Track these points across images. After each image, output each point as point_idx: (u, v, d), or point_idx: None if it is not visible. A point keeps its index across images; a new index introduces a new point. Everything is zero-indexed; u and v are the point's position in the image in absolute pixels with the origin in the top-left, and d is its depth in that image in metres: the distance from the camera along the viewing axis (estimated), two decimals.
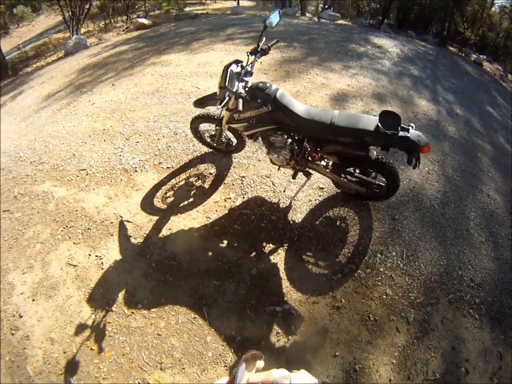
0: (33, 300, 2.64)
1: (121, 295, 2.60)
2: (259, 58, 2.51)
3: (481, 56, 13.73)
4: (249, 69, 2.44)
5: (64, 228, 3.08)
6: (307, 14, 14.41)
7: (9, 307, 2.63)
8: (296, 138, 2.66)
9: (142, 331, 2.43)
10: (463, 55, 12.82)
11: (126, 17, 11.53)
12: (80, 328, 2.48)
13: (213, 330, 2.41)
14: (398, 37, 9.55)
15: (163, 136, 3.95)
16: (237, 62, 2.44)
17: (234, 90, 2.25)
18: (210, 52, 6.54)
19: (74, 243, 2.95)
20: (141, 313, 2.51)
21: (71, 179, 3.58)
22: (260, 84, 2.44)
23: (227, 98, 2.25)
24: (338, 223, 3.04)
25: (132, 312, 2.52)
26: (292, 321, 2.44)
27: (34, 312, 2.58)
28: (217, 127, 2.96)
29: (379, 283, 2.69)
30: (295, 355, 2.30)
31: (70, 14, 9.85)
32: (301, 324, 2.43)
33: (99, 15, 11.74)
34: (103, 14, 11.31)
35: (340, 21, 12.93)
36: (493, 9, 19.10)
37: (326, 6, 16.49)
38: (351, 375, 2.25)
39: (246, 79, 2.44)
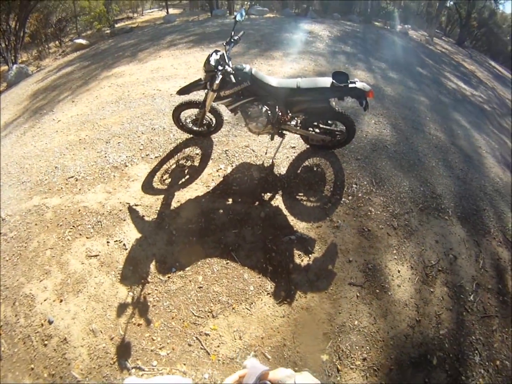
0: (61, 301, 2.66)
1: (152, 266, 2.80)
2: (233, 47, 3.10)
3: (406, 26, 15.05)
4: (227, 55, 3.03)
5: (71, 228, 3.19)
6: (235, 14, 15.02)
7: (33, 319, 2.60)
8: (270, 105, 3.22)
9: (183, 290, 2.65)
10: (389, 27, 14.05)
11: (59, 41, 11.41)
12: (121, 308, 2.57)
13: (246, 268, 2.78)
14: (325, 21, 10.41)
15: (142, 133, 4.23)
16: (216, 52, 3.02)
17: (221, 69, 2.85)
18: (158, 59, 6.85)
19: (87, 237, 3.09)
20: (177, 275, 2.75)
21: (61, 188, 3.67)
22: (238, 66, 3.04)
23: (218, 77, 2.81)
24: (315, 169, 3.63)
25: (169, 277, 2.73)
26: (307, 243, 2.95)
27: (66, 312, 2.60)
28: (201, 110, 3.39)
29: (362, 205, 3.31)
30: (319, 267, 2.81)
31: (6, 44, 9.60)
32: (315, 244, 2.95)
33: (31, 44, 11.49)
34: (36, 41, 11.11)
35: (268, 15, 13.70)
36: None
37: (253, 3, 17.19)
38: (367, 273, 2.81)
39: (227, 64, 3.02)
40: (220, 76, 2.84)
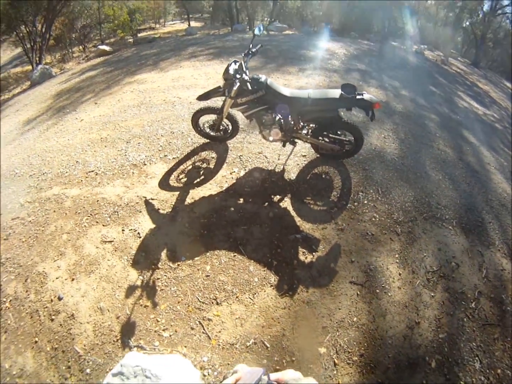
0: (73, 279, 2.83)
1: (163, 254, 2.98)
2: (250, 58, 3.35)
3: (422, 46, 15.24)
4: (245, 66, 3.29)
5: (89, 216, 3.39)
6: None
7: (43, 295, 2.75)
8: (283, 114, 3.41)
9: (191, 278, 2.81)
10: (404, 47, 14.26)
11: (82, 46, 11.90)
12: (130, 290, 2.72)
13: (252, 261, 2.94)
14: (342, 39, 10.68)
15: (161, 135, 4.46)
16: (235, 62, 3.28)
17: (239, 77, 3.13)
18: (179, 69, 7.15)
19: (103, 225, 3.28)
20: (186, 264, 2.92)
21: (81, 180, 3.90)
22: (255, 76, 3.27)
23: (236, 84, 3.09)
24: (323, 177, 3.79)
25: (178, 265, 2.90)
26: (311, 242, 3.10)
27: (76, 290, 2.75)
28: (219, 115, 3.63)
29: (367, 211, 3.44)
30: (322, 265, 2.94)
31: (32, 45, 10.06)
32: (319, 243, 3.09)
33: (55, 47, 12.00)
34: (60, 45, 11.62)
35: (287, 31, 14.11)
36: (429, 1, 21.30)
37: (273, 19, 17.67)
38: (369, 273, 2.93)
39: (244, 73, 3.28)
40: (238, 84, 3.11)
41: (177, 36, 12.23)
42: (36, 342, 2.51)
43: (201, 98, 3.54)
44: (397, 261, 3.06)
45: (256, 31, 3.41)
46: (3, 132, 5.98)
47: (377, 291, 2.80)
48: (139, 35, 12.49)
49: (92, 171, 4.02)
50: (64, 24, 11.73)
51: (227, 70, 3.19)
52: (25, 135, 5.49)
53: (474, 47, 20.02)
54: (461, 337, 2.66)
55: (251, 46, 3.35)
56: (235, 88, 3.12)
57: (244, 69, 3.28)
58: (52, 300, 2.72)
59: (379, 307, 2.70)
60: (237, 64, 3.26)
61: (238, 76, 3.15)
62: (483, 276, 3.14)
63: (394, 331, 2.58)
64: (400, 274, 2.96)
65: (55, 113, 6.10)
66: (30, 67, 10.74)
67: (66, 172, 4.09)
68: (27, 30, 10.19)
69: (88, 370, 2.34)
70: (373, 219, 3.37)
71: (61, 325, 2.57)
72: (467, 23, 20.83)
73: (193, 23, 15.93)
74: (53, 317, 2.62)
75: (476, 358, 2.57)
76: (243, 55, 3.34)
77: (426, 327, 2.65)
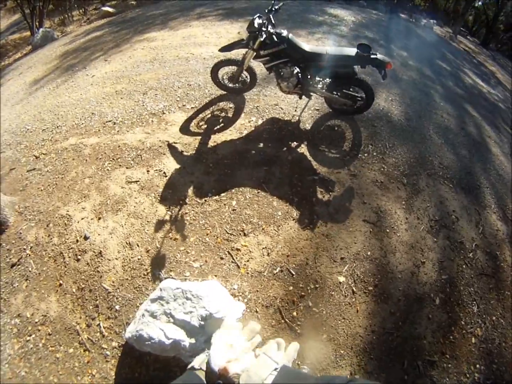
0: (99, 219, 2.92)
1: (190, 191, 3.14)
2: (274, 14, 3.44)
3: (431, 21, 15.09)
4: (270, 21, 3.39)
5: (111, 161, 3.48)
6: None
7: (68, 237, 2.85)
8: (301, 67, 3.59)
9: (218, 212, 2.98)
10: (414, 21, 14.13)
11: (83, 9, 11.59)
12: (159, 224, 2.85)
13: (275, 197, 3.13)
14: (351, 7, 10.49)
15: (178, 87, 4.53)
16: (259, 16, 3.39)
17: (264, 30, 3.27)
18: (189, 28, 7.07)
19: (127, 168, 3.39)
20: (213, 199, 3.09)
21: (98, 130, 3.96)
22: (278, 30, 3.41)
23: (262, 36, 3.24)
24: (336, 129, 3.98)
25: (205, 200, 3.07)
26: (328, 183, 3.31)
27: (103, 229, 2.85)
28: (239, 67, 3.74)
29: (376, 161, 3.66)
30: (338, 204, 3.17)
31: (31, 9, 9.79)
32: (335, 185, 3.31)
33: (54, 11, 11.67)
34: (60, 9, 11.30)
35: None
36: None
37: None
38: (379, 214, 3.16)
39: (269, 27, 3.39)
40: (264, 35, 3.24)
41: None
42: (60, 285, 2.61)
43: (224, 49, 3.63)
44: (404, 207, 3.29)
45: None
46: (7, 94, 5.89)
47: (387, 230, 3.05)
48: None
49: (110, 121, 4.08)
50: None
51: (252, 23, 3.31)
52: (34, 94, 5.45)
53: (485, 27, 19.79)
54: (461, 281, 2.94)
55: (273, 2, 3.47)
56: (261, 39, 3.26)
57: (271, 23, 3.41)
58: (77, 241, 2.81)
59: (389, 245, 2.95)
60: (261, 18, 3.37)
61: (263, 29, 3.28)
62: (480, 232, 3.40)
63: (403, 267, 2.84)
64: (407, 218, 3.19)
65: (64, 71, 6.04)
66: (29, 33, 10.40)
67: (82, 123, 4.15)
68: None
69: (117, 307, 2.46)
70: (382, 169, 3.58)
71: (87, 264, 2.67)
72: (480, 2, 20.51)
73: None
74: (79, 257, 2.72)
75: (474, 302, 2.85)
76: (266, 11, 3.45)
77: (431, 268, 2.91)
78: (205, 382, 1.06)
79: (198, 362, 1.17)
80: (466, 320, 2.73)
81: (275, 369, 1.07)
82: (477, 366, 2.55)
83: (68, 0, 11.65)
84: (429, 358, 2.47)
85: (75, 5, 12.11)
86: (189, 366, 1.18)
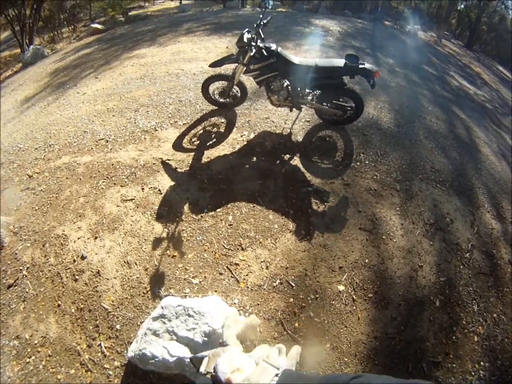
0: (96, 238, 2.90)
1: (186, 207, 3.15)
2: (262, 28, 3.47)
3: (415, 26, 15.38)
4: (259, 35, 3.43)
5: (105, 179, 3.46)
6: (247, 6, 15.49)
7: (65, 257, 2.81)
8: (290, 80, 3.64)
9: (215, 227, 3.00)
10: (398, 27, 14.44)
11: (72, 26, 11.68)
12: (157, 242, 2.85)
13: (271, 210, 3.16)
14: (336, 17, 10.74)
15: (169, 104, 4.56)
16: (248, 31, 3.46)
17: (254, 44, 3.32)
18: (178, 44, 7.15)
19: (121, 186, 3.37)
20: (209, 215, 3.10)
21: (91, 148, 3.95)
22: (267, 44, 3.48)
23: (251, 51, 3.28)
24: (327, 140, 4.04)
25: (201, 216, 3.08)
26: (322, 194, 3.34)
27: (100, 248, 2.83)
28: (230, 82, 3.78)
29: (368, 170, 3.71)
30: (333, 214, 3.20)
31: (21, 26, 9.83)
32: (329, 195, 3.35)
33: (44, 29, 11.73)
34: (49, 25, 11.37)
35: (280, 9, 14.09)
36: None
37: None
38: (375, 222, 3.20)
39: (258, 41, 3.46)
40: (254, 50, 3.29)
41: (170, 14, 12.08)
42: (59, 305, 2.58)
43: (214, 65, 3.68)
44: (399, 213, 3.33)
45: (268, 4, 3.60)
46: (1, 111, 5.83)
47: (383, 237, 3.08)
48: (129, 13, 12.29)
49: (102, 139, 4.08)
50: (53, 5, 11.47)
51: (241, 38, 3.37)
52: (25, 112, 5.42)
53: (468, 30, 20.19)
54: (459, 281, 2.98)
55: (261, 17, 3.52)
56: (251, 54, 3.30)
57: (261, 37, 3.46)
58: (75, 261, 2.79)
59: (386, 251, 2.98)
60: (250, 33, 3.44)
61: (253, 43, 3.33)
62: (475, 232, 3.46)
63: (401, 273, 2.87)
64: (402, 224, 3.24)
65: (55, 89, 6.04)
66: (19, 50, 10.42)
67: (75, 142, 4.14)
68: (15, 12, 9.90)
69: (118, 326, 2.44)
70: (375, 176, 3.64)
71: (86, 284, 2.64)
72: (462, 5, 20.93)
73: (183, 1, 15.73)
74: (76, 277, 2.69)
75: (474, 301, 2.89)
76: (255, 25, 3.50)
77: (428, 271, 2.95)
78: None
79: (204, 367, 1.22)
80: (467, 319, 2.77)
81: (276, 374, 1.10)
82: (481, 363, 2.58)
83: (58, 17, 11.72)
84: (433, 359, 2.50)
85: (65, 22, 12.21)
86: (199, 372, 1.22)
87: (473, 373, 2.51)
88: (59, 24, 11.70)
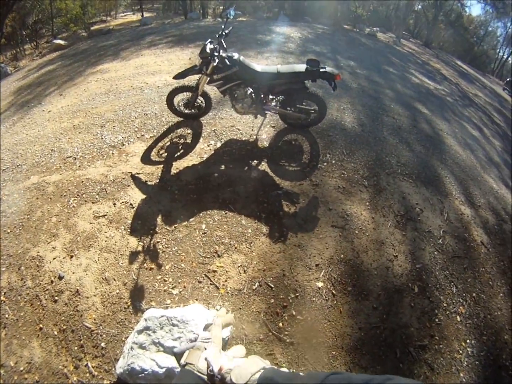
0: (71, 257, 2.86)
1: (159, 219, 3.14)
2: (224, 38, 3.55)
3: (374, 28, 15.94)
4: (221, 45, 3.51)
5: (76, 197, 3.42)
6: (208, 17, 15.63)
7: (42, 278, 2.75)
8: (254, 87, 3.72)
9: (189, 237, 3.01)
10: (358, 30, 14.92)
11: (35, 43, 11.42)
12: (133, 256, 2.83)
13: (243, 216, 3.20)
14: (297, 24, 11.00)
15: (135, 118, 4.54)
16: (210, 42, 3.51)
17: (217, 55, 3.38)
18: (141, 57, 7.16)
19: (92, 203, 3.34)
20: (182, 225, 3.10)
21: (60, 167, 3.88)
22: (229, 54, 3.55)
23: (214, 61, 3.33)
24: (293, 143, 4.15)
25: (175, 227, 3.08)
26: (292, 196, 3.41)
27: (77, 266, 2.78)
28: (194, 92, 3.82)
29: (335, 169, 3.82)
30: (305, 214, 3.26)
31: None
32: (299, 197, 3.42)
33: (5, 46, 11.44)
34: (11, 42, 11.09)
35: (241, 18, 14.33)
36: None
37: (228, 7, 17.71)
38: (346, 218, 3.29)
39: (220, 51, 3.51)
40: (217, 60, 3.34)
41: (132, 27, 12.05)
42: (40, 329, 2.51)
43: (177, 77, 3.71)
44: (369, 208, 3.44)
45: (232, 13, 3.68)
46: None
47: (356, 232, 3.17)
48: (91, 28, 12.15)
49: (70, 156, 4.02)
50: (15, 21, 11.20)
51: (204, 49, 3.42)
52: None
53: (426, 28, 21.04)
54: (435, 266, 3.11)
55: (223, 27, 3.58)
56: (214, 64, 3.36)
57: (223, 47, 3.53)
58: (52, 281, 2.73)
59: (360, 245, 3.07)
60: (212, 44, 3.51)
61: (215, 54, 3.38)
62: (445, 219, 3.62)
63: (377, 264, 2.96)
64: (373, 218, 3.35)
65: (19, 108, 5.89)
66: None
67: (42, 161, 4.05)
68: None
69: (103, 344, 2.40)
70: (342, 175, 3.75)
71: (66, 304, 2.59)
72: (419, 6, 21.81)
73: (145, 14, 15.69)
74: (56, 298, 2.64)
75: (452, 283, 3.04)
76: (217, 36, 3.56)
77: (404, 259, 3.06)
78: (195, 372, 1.16)
79: (184, 358, 1.27)
80: (447, 301, 2.89)
81: (263, 367, 1.16)
82: (468, 341, 2.70)
83: (20, 34, 11.43)
84: (420, 343, 2.59)
85: (27, 39, 11.93)
86: (181, 364, 1.27)
87: (460, 351, 2.63)
88: (21, 40, 11.43)
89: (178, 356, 1.38)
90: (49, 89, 6.43)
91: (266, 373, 1.13)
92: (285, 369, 2.00)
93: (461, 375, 2.51)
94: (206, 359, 1.20)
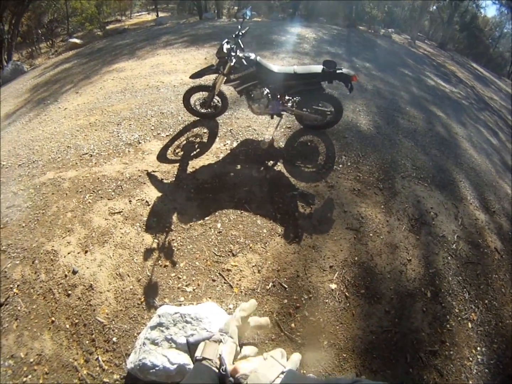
0: (86, 252, 2.90)
1: (174, 217, 3.17)
2: (241, 38, 3.57)
3: (389, 29, 15.82)
4: (238, 45, 3.53)
5: (91, 193, 3.45)
6: (223, 17, 15.68)
7: (56, 272, 2.78)
8: (270, 88, 3.72)
9: (204, 235, 3.03)
10: (372, 31, 14.83)
11: (50, 41, 11.60)
12: (148, 253, 2.86)
13: (259, 216, 3.21)
14: (311, 25, 10.97)
15: (151, 116, 4.58)
16: (227, 42, 3.54)
17: (234, 55, 3.41)
18: (156, 57, 7.20)
19: (108, 199, 3.38)
20: (197, 224, 3.13)
21: (76, 163, 3.93)
22: (246, 54, 3.56)
23: (231, 61, 3.37)
24: (309, 144, 4.13)
25: (190, 225, 3.11)
26: (308, 197, 3.41)
27: (91, 261, 2.82)
28: (211, 92, 3.84)
29: (351, 171, 3.79)
30: (320, 215, 3.27)
31: None
32: (314, 198, 3.41)
33: (22, 44, 11.63)
34: (27, 41, 11.29)
35: (256, 19, 14.35)
36: None
37: (243, 7, 17.71)
38: (361, 220, 3.27)
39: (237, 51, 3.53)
40: (234, 60, 3.37)
41: (147, 27, 12.15)
42: (52, 322, 2.54)
43: (194, 76, 3.74)
44: (383, 210, 3.42)
45: (248, 13, 3.68)
46: None
47: (371, 234, 3.16)
48: (107, 27, 12.30)
49: (86, 153, 4.06)
50: (31, 20, 11.41)
51: (221, 49, 3.44)
52: (7, 129, 5.34)
53: (441, 30, 20.76)
54: (448, 272, 3.07)
55: (240, 27, 3.59)
56: (231, 64, 3.38)
57: (240, 47, 3.54)
58: (66, 276, 2.76)
59: (374, 248, 3.05)
60: (229, 43, 3.53)
61: (233, 53, 3.40)
62: (460, 224, 3.57)
63: (391, 267, 2.94)
64: (387, 221, 3.32)
65: (36, 105, 5.99)
66: None
67: (58, 157, 4.11)
68: None
69: (114, 339, 2.42)
70: (358, 177, 3.73)
71: (79, 298, 2.62)
72: (434, 7, 21.53)
73: (160, 14, 15.82)
74: (69, 292, 2.66)
75: (465, 289, 3.00)
76: (234, 36, 3.57)
77: (417, 264, 3.03)
78: (213, 368, 1.13)
79: (200, 351, 1.26)
80: (459, 307, 2.86)
81: (282, 372, 1.13)
82: (478, 348, 2.67)
83: (36, 32, 11.62)
84: (430, 348, 2.56)
85: (43, 37, 12.11)
86: (195, 359, 1.24)
87: (471, 359, 2.59)
88: (37, 39, 11.62)
89: (192, 347, 1.34)
90: (65, 86, 6.52)
91: (286, 380, 1.11)
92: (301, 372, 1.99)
93: (470, 382, 2.48)
94: (220, 355, 1.18)
